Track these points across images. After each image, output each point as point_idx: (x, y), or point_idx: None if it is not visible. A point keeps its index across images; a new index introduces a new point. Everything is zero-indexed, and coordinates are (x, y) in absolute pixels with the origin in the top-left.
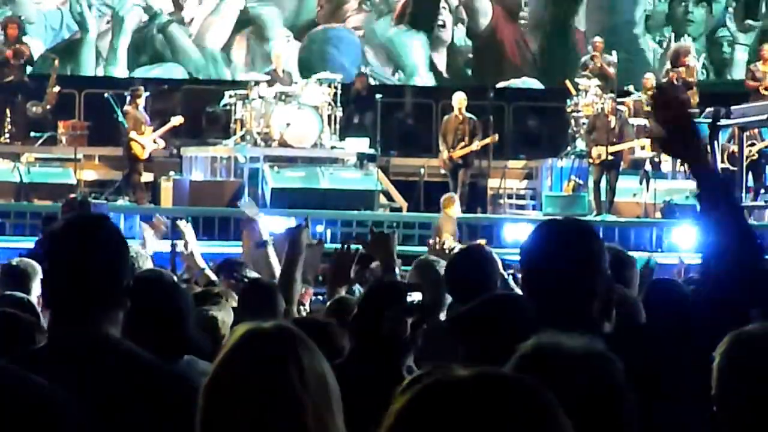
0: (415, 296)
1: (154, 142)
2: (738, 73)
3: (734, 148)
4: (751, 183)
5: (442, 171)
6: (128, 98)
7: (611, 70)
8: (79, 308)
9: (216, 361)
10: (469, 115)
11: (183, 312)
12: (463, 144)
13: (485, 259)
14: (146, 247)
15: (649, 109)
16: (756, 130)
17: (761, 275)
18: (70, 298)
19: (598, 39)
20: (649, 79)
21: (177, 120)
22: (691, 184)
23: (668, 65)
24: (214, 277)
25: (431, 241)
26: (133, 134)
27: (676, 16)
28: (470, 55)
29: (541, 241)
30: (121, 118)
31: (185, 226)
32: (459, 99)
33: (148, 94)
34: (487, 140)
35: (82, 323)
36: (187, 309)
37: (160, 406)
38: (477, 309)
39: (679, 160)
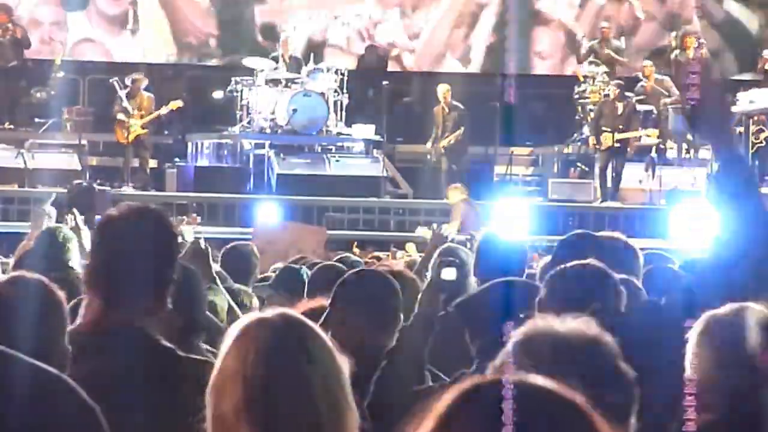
0: (450, 272)
1: (143, 128)
2: None
3: (741, 129)
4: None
5: (428, 157)
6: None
7: (623, 57)
8: (116, 297)
9: (222, 354)
10: (456, 103)
11: (199, 293)
12: (448, 134)
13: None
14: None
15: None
16: (763, 117)
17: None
18: (109, 286)
19: (605, 24)
20: (647, 66)
21: (165, 109)
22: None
23: (677, 50)
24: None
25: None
26: (120, 116)
27: None
28: None
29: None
30: (125, 103)
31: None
32: (443, 91)
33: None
34: (453, 135)
35: (114, 311)
36: (203, 290)
37: (179, 392)
38: (483, 294)
39: (686, 145)
